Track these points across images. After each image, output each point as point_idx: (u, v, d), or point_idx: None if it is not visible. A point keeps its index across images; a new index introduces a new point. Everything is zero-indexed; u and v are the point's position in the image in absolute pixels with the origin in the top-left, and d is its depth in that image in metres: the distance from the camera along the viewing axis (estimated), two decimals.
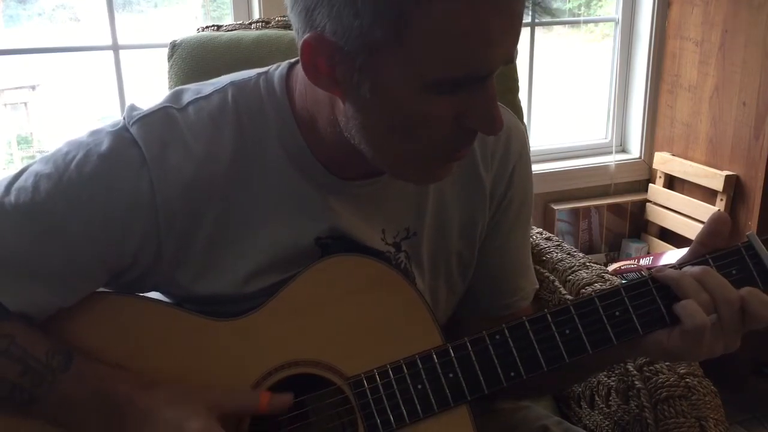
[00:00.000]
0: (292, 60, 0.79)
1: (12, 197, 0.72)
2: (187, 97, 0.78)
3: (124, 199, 0.72)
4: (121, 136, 0.74)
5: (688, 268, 0.75)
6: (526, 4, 0.64)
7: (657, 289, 0.75)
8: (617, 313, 0.76)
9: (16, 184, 0.73)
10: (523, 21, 0.65)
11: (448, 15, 0.59)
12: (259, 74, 0.79)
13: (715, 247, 0.77)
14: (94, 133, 0.76)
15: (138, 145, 0.73)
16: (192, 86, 0.80)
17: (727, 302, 0.72)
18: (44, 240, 0.72)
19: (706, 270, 0.74)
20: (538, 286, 0.96)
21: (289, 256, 0.78)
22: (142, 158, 0.72)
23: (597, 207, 2.33)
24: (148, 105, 0.77)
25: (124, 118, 0.76)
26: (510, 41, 0.64)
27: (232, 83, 0.79)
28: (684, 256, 0.78)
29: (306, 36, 0.65)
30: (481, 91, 0.65)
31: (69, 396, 0.72)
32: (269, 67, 0.80)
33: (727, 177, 2.06)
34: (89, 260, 0.73)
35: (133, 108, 0.77)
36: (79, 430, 0.73)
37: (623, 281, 0.81)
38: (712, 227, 0.77)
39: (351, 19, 0.60)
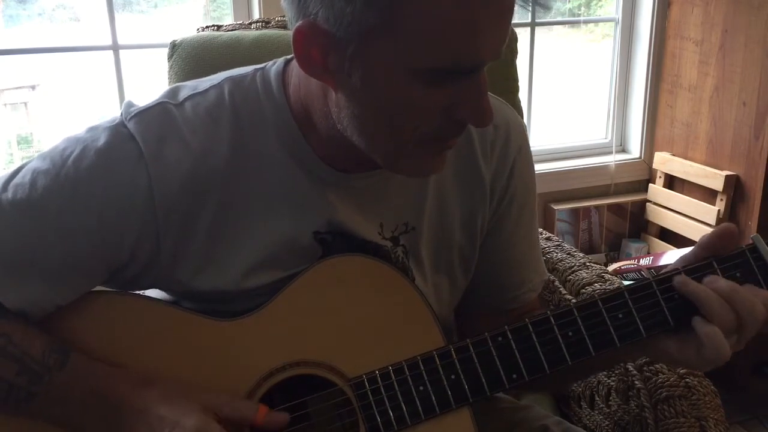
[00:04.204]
0: (288, 56, 0.79)
1: (9, 194, 0.72)
2: (184, 93, 0.78)
3: (121, 194, 0.72)
4: (118, 131, 0.74)
5: (713, 281, 0.73)
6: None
7: (661, 292, 0.75)
8: (620, 316, 0.75)
9: (14, 181, 0.73)
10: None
11: (436, 3, 0.60)
12: (256, 70, 0.80)
13: (717, 254, 0.76)
14: (91, 129, 0.76)
15: (135, 140, 0.73)
16: (189, 83, 0.80)
17: (755, 322, 0.71)
18: (42, 236, 0.72)
19: (734, 288, 0.72)
20: (547, 277, 0.95)
21: (288, 249, 0.78)
22: (139, 153, 0.73)
23: (597, 207, 2.33)
24: (146, 101, 0.78)
25: (121, 114, 0.76)
26: (498, 35, 0.64)
27: (229, 79, 0.79)
28: (687, 257, 0.77)
29: (299, 24, 0.65)
30: (470, 82, 0.65)
31: (65, 394, 0.72)
32: (266, 63, 0.81)
33: (727, 177, 2.06)
34: (87, 256, 0.73)
35: (129, 104, 0.77)
36: (77, 429, 0.73)
37: (625, 282, 0.81)
38: (718, 240, 0.76)
39: (343, 6, 0.61)
